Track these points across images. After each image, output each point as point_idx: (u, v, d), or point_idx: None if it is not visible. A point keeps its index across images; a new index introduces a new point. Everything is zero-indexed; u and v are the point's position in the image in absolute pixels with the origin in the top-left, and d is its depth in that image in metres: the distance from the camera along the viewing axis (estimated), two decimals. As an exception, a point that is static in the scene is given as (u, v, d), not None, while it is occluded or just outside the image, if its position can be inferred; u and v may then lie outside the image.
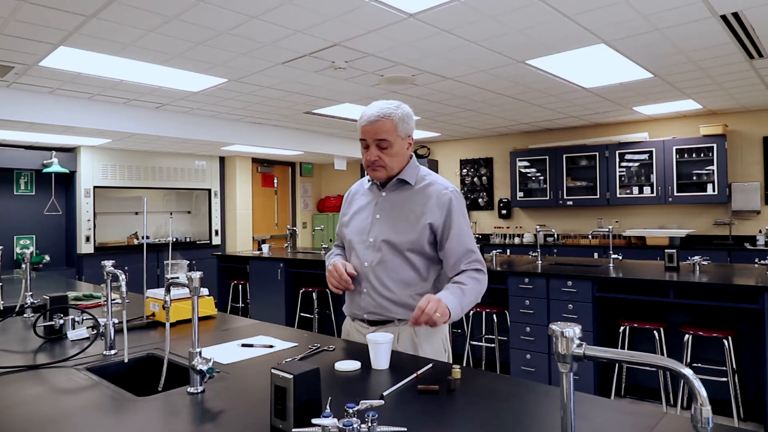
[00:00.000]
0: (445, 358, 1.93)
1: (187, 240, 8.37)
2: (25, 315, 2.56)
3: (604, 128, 7.27)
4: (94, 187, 7.15)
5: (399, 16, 3.23)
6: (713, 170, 6.19)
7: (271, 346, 1.91)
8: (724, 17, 3.32)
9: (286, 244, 7.19)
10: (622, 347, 3.83)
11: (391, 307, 1.88)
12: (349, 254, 2.02)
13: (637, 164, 6.75)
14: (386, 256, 1.88)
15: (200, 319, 1.95)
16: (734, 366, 3.45)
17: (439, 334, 1.92)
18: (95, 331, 1.92)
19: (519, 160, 7.65)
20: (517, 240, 7.71)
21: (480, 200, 8.39)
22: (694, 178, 6.39)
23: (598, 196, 6.96)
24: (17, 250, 6.69)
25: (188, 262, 2.69)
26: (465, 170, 8.55)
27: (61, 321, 2.10)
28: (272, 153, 8.35)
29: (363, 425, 1.06)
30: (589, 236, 6.89)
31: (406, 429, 1.12)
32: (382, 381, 1.53)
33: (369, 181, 2.05)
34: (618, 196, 6.81)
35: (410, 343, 1.87)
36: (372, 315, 1.91)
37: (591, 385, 3.81)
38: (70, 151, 7.12)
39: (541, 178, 7.49)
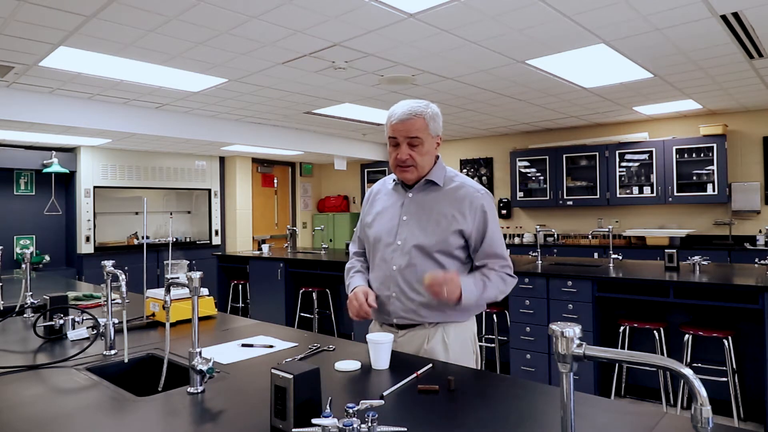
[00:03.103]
0: (473, 361, 1.89)
1: (187, 240, 8.37)
2: (25, 315, 2.56)
3: (604, 128, 7.27)
4: (94, 187, 7.15)
5: (399, 16, 3.23)
6: (713, 170, 6.18)
7: (271, 346, 1.91)
8: (724, 17, 3.32)
9: (286, 244, 7.20)
10: (622, 347, 3.83)
11: (420, 310, 1.83)
12: (373, 256, 1.96)
13: (637, 164, 6.75)
14: (415, 259, 1.83)
15: (200, 319, 1.95)
16: (734, 366, 3.45)
17: (467, 333, 1.90)
18: (95, 331, 1.92)
19: (519, 160, 7.65)
20: (517, 240, 7.71)
21: (480, 200, 8.38)
22: (694, 178, 6.38)
23: (598, 196, 6.96)
24: (17, 250, 6.69)
25: (188, 262, 2.69)
26: (465, 170, 8.54)
27: (61, 321, 2.10)
28: (272, 153, 8.35)
29: (363, 425, 1.06)
30: (589, 236, 6.89)
31: (406, 429, 1.12)
32: (382, 381, 1.53)
33: (394, 181, 1.98)
34: (618, 196, 6.81)
35: (441, 344, 1.84)
36: (401, 319, 1.86)
37: (591, 385, 3.81)
38: (70, 151, 7.12)
39: (541, 178, 7.49)
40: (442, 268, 1.82)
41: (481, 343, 4.61)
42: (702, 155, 6.28)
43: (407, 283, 1.84)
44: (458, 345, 1.85)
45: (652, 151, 6.56)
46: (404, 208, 1.90)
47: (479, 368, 1.90)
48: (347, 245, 6.53)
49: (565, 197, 7.24)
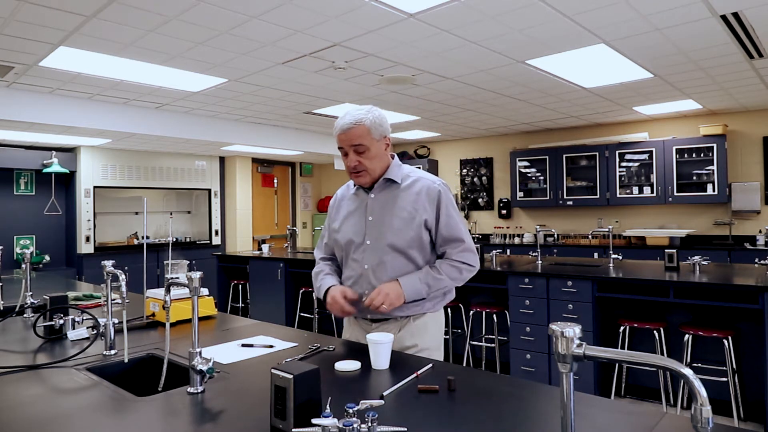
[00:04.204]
0: (441, 351, 2.02)
1: (187, 240, 8.37)
2: (25, 315, 2.56)
3: (604, 128, 7.27)
4: (94, 187, 7.15)
5: (399, 16, 3.23)
6: (713, 170, 6.19)
7: (271, 346, 1.91)
8: (724, 17, 3.32)
9: (286, 244, 7.19)
10: (622, 347, 3.83)
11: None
12: (345, 260, 2.05)
13: (637, 164, 6.75)
14: (386, 257, 1.92)
15: (200, 319, 1.95)
16: (734, 366, 3.45)
17: (437, 323, 2.00)
18: (95, 331, 1.92)
19: (519, 160, 7.65)
20: (517, 240, 7.71)
21: (480, 200, 8.39)
22: (694, 178, 6.39)
23: (598, 196, 6.96)
24: (17, 250, 6.69)
25: (188, 262, 2.69)
26: (465, 170, 8.55)
27: (61, 321, 2.10)
28: (272, 153, 8.35)
29: (363, 425, 1.06)
30: (589, 236, 6.89)
31: (406, 429, 1.12)
32: (382, 381, 1.53)
33: (355, 185, 2.08)
34: (618, 196, 6.81)
35: (410, 334, 1.94)
36: (374, 314, 1.94)
37: (591, 385, 3.81)
38: (70, 151, 7.12)
39: (541, 178, 7.49)
40: (413, 263, 1.93)
41: (481, 343, 4.64)
42: (702, 155, 6.28)
43: (378, 280, 1.93)
44: (427, 335, 1.96)
45: (652, 151, 6.56)
46: (368, 209, 1.99)
47: (444, 358, 2.01)
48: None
49: (565, 197, 7.24)
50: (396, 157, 2.05)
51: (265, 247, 6.52)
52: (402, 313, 1.92)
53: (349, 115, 1.91)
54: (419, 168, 8.59)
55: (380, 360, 1.64)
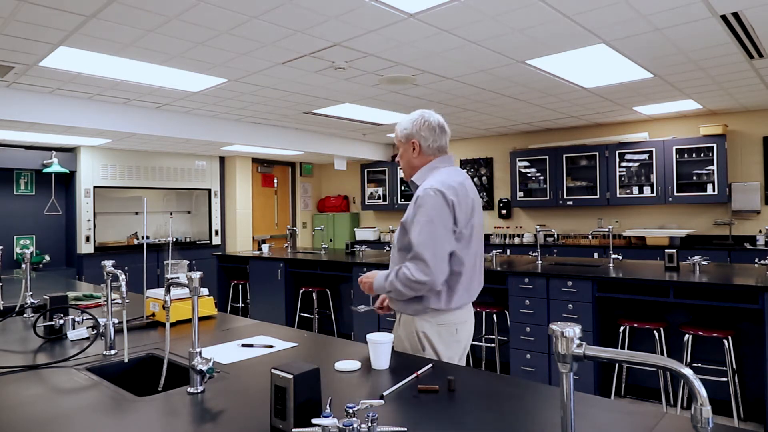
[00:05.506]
0: (421, 353, 1.91)
1: (187, 240, 8.37)
2: (25, 315, 2.56)
3: (604, 128, 7.27)
4: (94, 187, 7.15)
5: (399, 16, 3.23)
6: (713, 170, 6.18)
7: (271, 346, 1.91)
8: (724, 17, 3.32)
9: (286, 244, 7.20)
10: (622, 347, 3.83)
11: (389, 301, 2.10)
12: None
13: (637, 164, 6.75)
14: (392, 253, 2.08)
15: (200, 319, 1.95)
16: (734, 366, 3.45)
17: (413, 327, 1.95)
18: (95, 331, 1.92)
19: (519, 160, 7.65)
20: (517, 240, 7.71)
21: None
22: (694, 178, 6.38)
23: (598, 196, 6.96)
24: (17, 250, 6.69)
25: (188, 262, 2.69)
26: (465, 170, 8.50)
27: (61, 321, 2.10)
28: (272, 153, 8.35)
29: (363, 425, 1.06)
30: (589, 236, 6.89)
31: (406, 429, 1.12)
32: (382, 381, 1.53)
33: None
34: (618, 196, 6.81)
35: (396, 331, 2.04)
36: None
37: (591, 385, 3.81)
38: (70, 151, 7.12)
39: (541, 178, 7.49)
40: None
41: (480, 343, 4.63)
42: (702, 155, 6.28)
43: None
44: (405, 336, 1.99)
45: (652, 151, 6.56)
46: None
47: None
48: (347, 245, 6.53)
49: (565, 197, 7.24)
50: (431, 163, 2.04)
51: (265, 247, 6.52)
52: (398, 309, 2.04)
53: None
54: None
55: (380, 360, 1.64)
